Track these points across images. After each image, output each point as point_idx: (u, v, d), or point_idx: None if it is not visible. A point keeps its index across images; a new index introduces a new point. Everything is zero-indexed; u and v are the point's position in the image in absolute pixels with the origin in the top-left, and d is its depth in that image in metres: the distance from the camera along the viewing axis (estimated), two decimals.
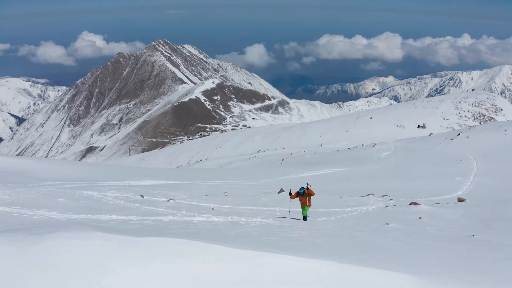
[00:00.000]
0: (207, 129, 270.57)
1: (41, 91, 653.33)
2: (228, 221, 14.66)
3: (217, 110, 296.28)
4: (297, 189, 17.91)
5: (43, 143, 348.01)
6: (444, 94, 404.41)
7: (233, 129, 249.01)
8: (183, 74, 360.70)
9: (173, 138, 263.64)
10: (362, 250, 9.71)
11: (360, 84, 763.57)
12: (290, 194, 18.26)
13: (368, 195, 28.94)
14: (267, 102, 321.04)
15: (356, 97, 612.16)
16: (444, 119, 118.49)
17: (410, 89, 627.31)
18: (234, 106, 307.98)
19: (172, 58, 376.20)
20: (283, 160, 74.53)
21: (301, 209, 17.55)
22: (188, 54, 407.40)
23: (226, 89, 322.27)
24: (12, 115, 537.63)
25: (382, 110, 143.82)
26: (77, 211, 14.44)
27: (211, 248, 6.84)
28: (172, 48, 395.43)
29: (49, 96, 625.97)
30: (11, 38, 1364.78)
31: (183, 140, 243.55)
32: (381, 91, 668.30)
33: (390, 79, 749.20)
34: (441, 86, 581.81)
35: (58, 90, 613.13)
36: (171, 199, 20.64)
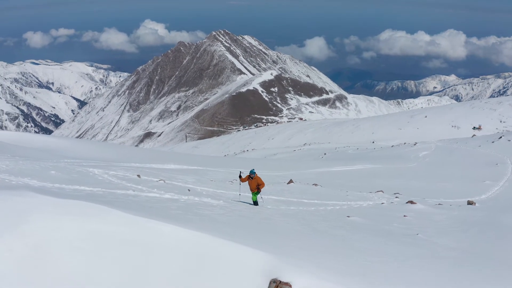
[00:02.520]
0: (263, 120, 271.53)
1: (103, 76, 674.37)
2: (175, 198, 15.32)
3: (274, 102, 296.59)
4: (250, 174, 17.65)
5: (103, 127, 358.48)
6: (508, 96, 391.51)
7: (289, 122, 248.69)
8: (242, 64, 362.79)
9: (229, 128, 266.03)
10: (254, 231, 10.26)
11: (421, 82, 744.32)
12: (240, 177, 18.10)
13: (377, 191, 28.67)
14: (324, 96, 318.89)
15: (416, 94, 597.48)
16: (501, 121, 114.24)
17: (472, 89, 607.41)
18: (291, 99, 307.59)
19: (231, 48, 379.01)
20: (325, 154, 74.58)
21: (251, 194, 17.64)
22: (247, 45, 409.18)
23: (284, 81, 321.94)
24: (74, 98, 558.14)
25: (438, 109, 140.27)
26: (58, 181, 15.61)
27: (111, 212, 8.27)
28: (232, 38, 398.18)
29: (110, 81, 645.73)
30: (76, 24, 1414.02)
31: (239, 130, 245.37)
32: (442, 90, 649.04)
33: (452, 78, 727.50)
34: (504, 88, 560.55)
35: (120, 76, 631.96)
36: (161, 179, 21.46)
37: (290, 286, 6.91)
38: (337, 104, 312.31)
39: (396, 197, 26.25)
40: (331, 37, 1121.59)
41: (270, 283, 7.03)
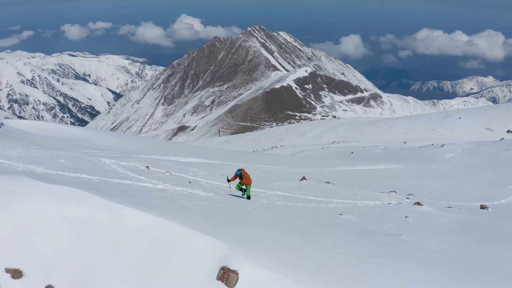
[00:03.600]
0: (296, 117, 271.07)
1: (139, 69, 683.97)
2: (166, 189, 15.95)
3: (308, 99, 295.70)
4: (236, 172, 18.07)
5: (138, 119, 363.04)
6: None
7: (322, 119, 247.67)
8: (276, 61, 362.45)
9: (262, 124, 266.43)
10: (221, 222, 10.75)
11: (458, 83, 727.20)
12: (228, 180, 18.61)
13: (390, 191, 28.56)
14: (359, 94, 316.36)
15: (452, 95, 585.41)
16: None
17: (510, 91, 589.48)
18: (325, 96, 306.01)
19: (266, 44, 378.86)
20: (352, 153, 74.22)
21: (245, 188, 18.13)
22: (283, 41, 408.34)
23: (319, 79, 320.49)
24: (110, 90, 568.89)
25: (472, 111, 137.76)
26: (63, 169, 16.54)
27: (90, 197, 9.26)
28: (268, 34, 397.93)
29: (146, 74, 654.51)
30: (113, 17, 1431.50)
31: (271, 126, 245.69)
32: (479, 91, 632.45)
33: (489, 79, 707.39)
34: None
35: (155, 70, 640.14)
36: (167, 171, 22.14)
37: (237, 274, 7.46)
38: (372, 103, 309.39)
39: (408, 198, 26.12)
40: (367, 35, 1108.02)
41: (219, 269, 7.61)
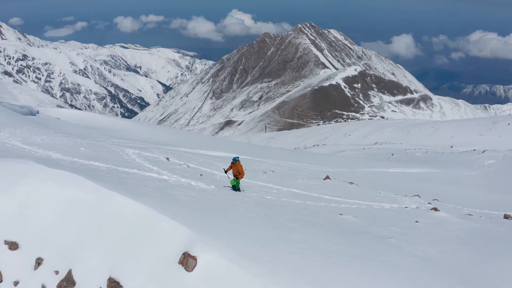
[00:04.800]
0: (344, 116, 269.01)
1: (189, 63, 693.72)
2: (169, 179, 16.94)
3: (356, 98, 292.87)
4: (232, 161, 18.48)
5: (186, 112, 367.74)
6: None
7: (370, 119, 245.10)
8: (326, 58, 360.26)
9: (308, 121, 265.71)
10: (199, 212, 11.47)
11: (511, 87, 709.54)
12: (225, 171, 19.06)
13: (414, 195, 28.25)
14: (408, 96, 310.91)
15: (504, 100, 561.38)
16: None
17: None
18: (374, 96, 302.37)
19: (316, 41, 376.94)
20: (392, 155, 73.30)
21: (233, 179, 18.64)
22: (333, 39, 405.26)
23: (368, 78, 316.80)
24: (160, 82, 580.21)
25: None
26: (79, 156, 17.96)
27: (85, 182, 10.58)
28: (318, 32, 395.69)
29: (196, 68, 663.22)
30: (165, 11, 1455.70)
31: (318, 124, 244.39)
32: None
33: None
34: None
35: (205, 64, 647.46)
36: (185, 164, 23.10)
37: (196, 259, 8.21)
38: (421, 104, 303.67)
39: (429, 203, 25.58)
40: (419, 35, 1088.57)
41: (181, 254, 8.37)
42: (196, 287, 7.90)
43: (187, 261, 8.24)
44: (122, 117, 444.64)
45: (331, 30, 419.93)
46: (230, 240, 9.11)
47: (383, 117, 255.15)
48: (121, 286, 8.36)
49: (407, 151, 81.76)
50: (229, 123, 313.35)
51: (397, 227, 15.95)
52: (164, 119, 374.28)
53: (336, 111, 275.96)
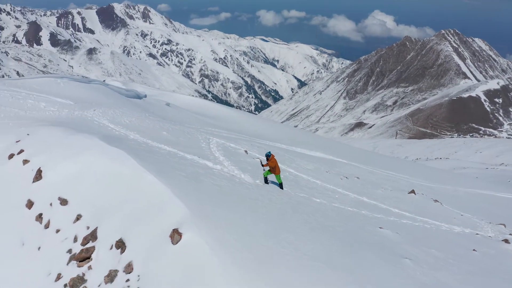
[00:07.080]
0: (480, 132, 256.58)
1: (326, 60, 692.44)
2: (215, 167, 18.56)
3: (496, 114, 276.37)
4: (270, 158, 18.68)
5: (317, 109, 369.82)
6: None
7: (508, 138, 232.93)
8: (467, 68, 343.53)
9: (442, 132, 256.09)
10: (214, 199, 12.99)
11: None
12: (262, 164, 18.99)
13: (499, 224, 25.75)
14: None
15: None
16: None
17: None
18: None
19: (459, 50, 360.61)
20: None
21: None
22: (477, 48, 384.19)
23: (511, 94, 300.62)
24: (295, 77, 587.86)
25: None
26: (153, 139, 20.62)
27: (129, 159, 13.55)
28: (462, 39, 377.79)
29: (332, 66, 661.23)
30: (308, 7, 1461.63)
31: (452, 137, 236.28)
32: None
33: None
34: None
35: (342, 63, 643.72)
36: (258, 158, 24.54)
37: (181, 236, 9.87)
38: None
39: (511, 234, 22.76)
40: None
41: (172, 229, 10.14)
42: (175, 258, 9.47)
43: (173, 235, 9.93)
44: (255, 107, 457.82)
45: (476, 39, 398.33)
46: (219, 227, 10.43)
47: None
48: (126, 246, 10.45)
49: None
50: (359, 125, 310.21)
51: (440, 251, 14.78)
52: (296, 114, 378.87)
53: (473, 125, 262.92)
